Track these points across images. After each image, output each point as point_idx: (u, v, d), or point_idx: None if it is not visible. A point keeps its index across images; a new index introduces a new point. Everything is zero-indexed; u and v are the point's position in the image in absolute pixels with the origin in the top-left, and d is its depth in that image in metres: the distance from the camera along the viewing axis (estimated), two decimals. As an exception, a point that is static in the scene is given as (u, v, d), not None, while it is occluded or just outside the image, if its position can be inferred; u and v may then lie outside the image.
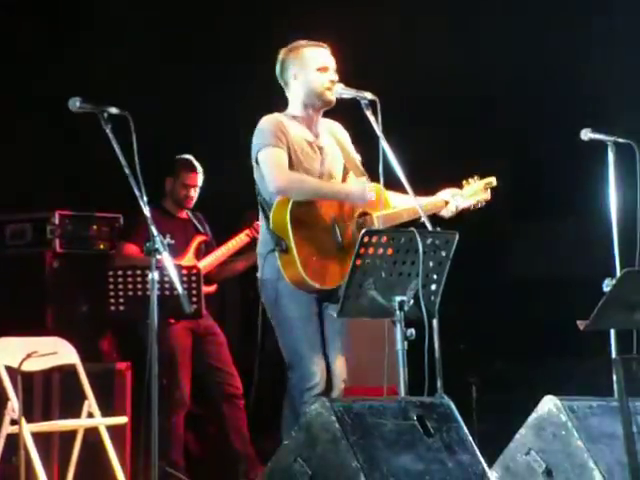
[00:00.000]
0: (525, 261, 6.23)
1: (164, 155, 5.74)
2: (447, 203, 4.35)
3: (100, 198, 6.06)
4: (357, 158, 4.40)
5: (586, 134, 4.63)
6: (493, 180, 4.47)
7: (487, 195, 4.46)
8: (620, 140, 4.59)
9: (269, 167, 4.17)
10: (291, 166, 4.22)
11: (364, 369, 4.70)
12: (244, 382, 5.47)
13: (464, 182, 4.44)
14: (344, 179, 4.40)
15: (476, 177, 4.45)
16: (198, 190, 5.69)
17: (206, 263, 5.59)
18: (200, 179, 5.69)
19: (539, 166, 6.27)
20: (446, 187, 4.41)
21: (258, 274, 4.27)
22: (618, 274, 4.36)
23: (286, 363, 4.19)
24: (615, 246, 4.50)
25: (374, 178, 4.20)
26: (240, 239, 5.61)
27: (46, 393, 5.45)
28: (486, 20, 6.35)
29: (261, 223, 4.26)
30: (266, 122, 4.25)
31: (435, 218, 4.25)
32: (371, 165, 4.21)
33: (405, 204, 4.25)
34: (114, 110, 3.96)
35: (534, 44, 6.30)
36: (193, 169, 5.65)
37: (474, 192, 4.43)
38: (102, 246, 5.93)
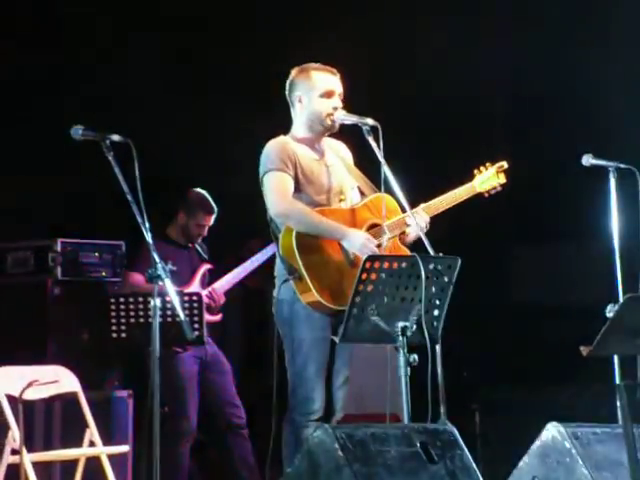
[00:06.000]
0: (528, 287, 6.22)
1: (166, 181, 5.74)
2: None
3: (103, 225, 6.05)
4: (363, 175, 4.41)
5: (588, 160, 4.64)
6: (504, 163, 4.46)
7: (501, 179, 4.43)
8: (622, 165, 4.60)
9: (271, 191, 4.18)
10: (300, 187, 4.22)
11: (367, 396, 4.69)
12: (246, 407, 5.45)
13: (475, 171, 4.43)
14: (354, 194, 4.38)
15: (488, 164, 4.44)
16: None
17: (224, 281, 5.57)
18: (214, 218, 5.67)
19: (540, 191, 6.28)
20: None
21: (274, 293, 4.25)
22: (621, 299, 4.35)
23: (289, 383, 4.17)
24: (618, 271, 4.50)
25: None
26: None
27: (47, 422, 5.42)
28: (487, 41, 6.38)
29: (276, 248, 4.25)
30: (272, 146, 4.26)
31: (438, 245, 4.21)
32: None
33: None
34: (116, 137, 3.98)
35: (534, 67, 6.33)
36: (211, 211, 5.60)
37: (486, 179, 4.41)
38: (104, 273, 5.91)
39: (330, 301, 4.06)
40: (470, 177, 4.43)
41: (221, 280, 5.59)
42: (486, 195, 4.41)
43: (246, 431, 5.43)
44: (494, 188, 4.41)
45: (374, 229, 4.23)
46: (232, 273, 5.60)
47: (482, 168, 4.42)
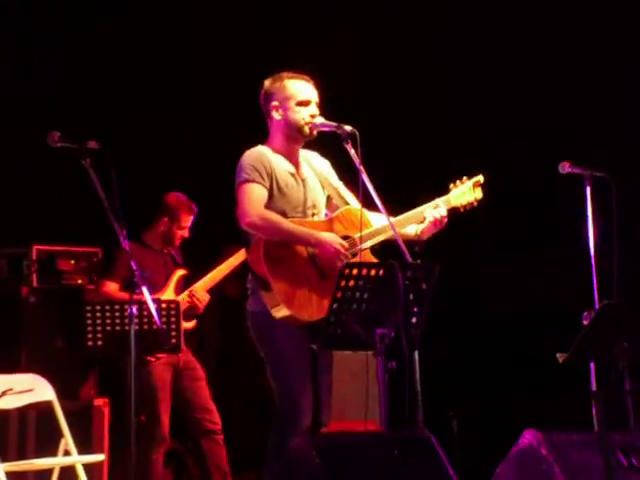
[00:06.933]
0: (504, 295, 6.24)
1: (143, 189, 5.71)
2: (424, 219, 4.27)
3: (79, 232, 6.02)
4: (339, 185, 4.41)
5: (564, 168, 4.67)
6: (480, 178, 4.39)
7: (478, 194, 4.38)
8: (597, 173, 4.63)
9: (244, 202, 4.16)
10: (274, 199, 4.21)
11: (346, 403, 4.67)
12: (222, 417, 5.44)
13: (451, 185, 4.38)
14: (327, 207, 4.39)
15: (465, 178, 4.39)
16: None
17: (207, 279, 5.55)
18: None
19: (517, 199, 6.30)
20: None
21: (247, 306, 4.24)
22: (597, 307, 4.38)
23: (275, 396, 4.15)
24: (594, 278, 4.52)
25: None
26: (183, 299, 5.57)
27: (21, 431, 5.39)
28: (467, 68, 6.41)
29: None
30: (248, 157, 4.25)
31: (416, 251, 4.22)
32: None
33: (386, 221, 4.18)
34: (93, 145, 3.96)
35: (511, 76, 6.36)
36: (192, 212, 5.61)
37: (462, 193, 4.36)
38: (80, 281, 5.88)
39: (299, 313, 4.07)
40: (445, 190, 4.39)
41: (203, 279, 5.57)
42: (462, 210, 4.37)
43: (221, 437, 5.41)
44: (470, 203, 4.37)
45: (346, 241, 4.24)
46: (213, 272, 5.58)
47: (458, 182, 4.37)
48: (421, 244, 4.14)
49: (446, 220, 4.29)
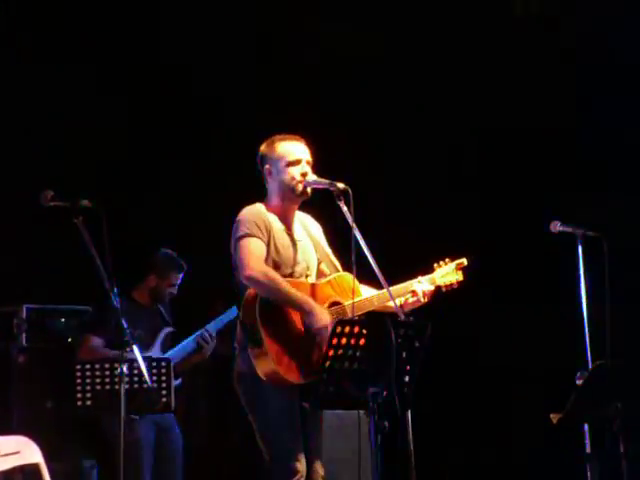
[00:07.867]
0: (497, 353, 6.22)
1: (133, 246, 5.71)
2: (414, 292, 4.34)
3: (67, 290, 5.99)
4: (330, 252, 4.43)
5: (555, 227, 4.68)
6: (464, 260, 4.50)
7: (459, 276, 4.48)
8: (589, 233, 4.63)
9: (245, 255, 4.17)
10: (269, 257, 4.23)
11: (337, 463, 4.61)
12: (212, 473, 5.39)
13: (435, 265, 4.47)
14: (317, 271, 4.41)
15: (447, 259, 4.49)
16: None
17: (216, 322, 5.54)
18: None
19: (508, 257, 6.31)
20: (419, 273, 4.44)
21: (234, 366, 4.22)
22: (590, 366, 4.35)
23: (266, 456, 4.11)
24: (586, 338, 4.51)
25: (346, 267, 4.23)
26: (189, 344, 5.56)
27: (7, 494, 5.28)
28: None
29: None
30: (248, 212, 4.29)
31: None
32: (344, 254, 4.25)
33: (375, 292, 4.26)
34: (85, 203, 3.97)
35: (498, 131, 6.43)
36: (182, 270, 5.63)
37: (446, 274, 4.45)
38: (70, 339, 5.84)
39: (286, 374, 4.04)
40: (430, 269, 4.45)
41: (214, 320, 5.55)
42: (443, 289, 4.44)
43: None
44: (451, 284, 4.45)
45: (335, 307, 4.25)
46: (222, 315, 5.57)
47: (442, 262, 4.47)
48: (403, 316, 4.14)
49: (429, 298, 4.33)
